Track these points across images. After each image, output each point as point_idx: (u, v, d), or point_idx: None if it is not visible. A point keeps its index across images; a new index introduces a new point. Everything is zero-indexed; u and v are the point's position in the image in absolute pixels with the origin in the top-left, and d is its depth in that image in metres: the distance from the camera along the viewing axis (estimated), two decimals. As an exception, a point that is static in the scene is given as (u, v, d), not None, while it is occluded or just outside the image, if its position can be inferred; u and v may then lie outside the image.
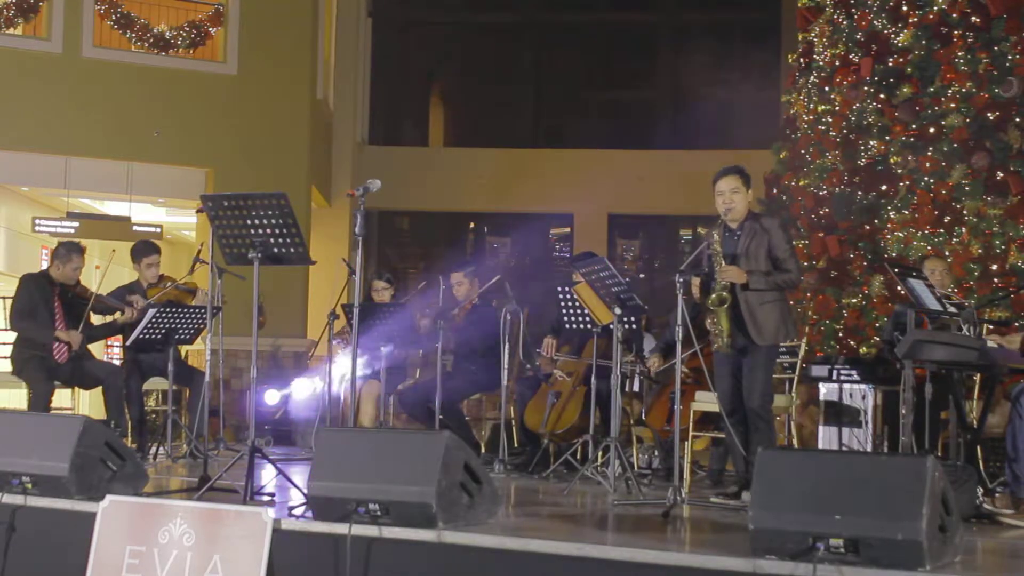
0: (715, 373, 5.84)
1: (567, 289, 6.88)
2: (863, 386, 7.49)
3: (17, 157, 11.89)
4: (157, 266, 7.81)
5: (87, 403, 10.02)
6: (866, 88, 9.51)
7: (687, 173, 13.16)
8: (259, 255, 5.25)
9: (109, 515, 4.52)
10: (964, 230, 8.55)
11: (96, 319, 7.85)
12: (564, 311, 6.92)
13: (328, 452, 4.51)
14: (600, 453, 6.53)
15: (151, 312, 7.13)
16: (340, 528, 4.24)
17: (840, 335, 9.24)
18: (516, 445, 7.66)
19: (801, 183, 10.08)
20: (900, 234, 8.80)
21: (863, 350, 8.90)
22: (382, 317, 7.49)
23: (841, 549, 3.59)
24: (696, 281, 5.83)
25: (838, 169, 9.69)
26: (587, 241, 15.02)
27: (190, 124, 12.07)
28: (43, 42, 11.84)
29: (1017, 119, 8.58)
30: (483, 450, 7.98)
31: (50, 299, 7.37)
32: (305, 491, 4.57)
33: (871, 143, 9.44)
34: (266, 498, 5.06)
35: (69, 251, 7.44)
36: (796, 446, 7.00)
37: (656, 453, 7.31)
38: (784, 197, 10.38)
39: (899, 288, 7.14)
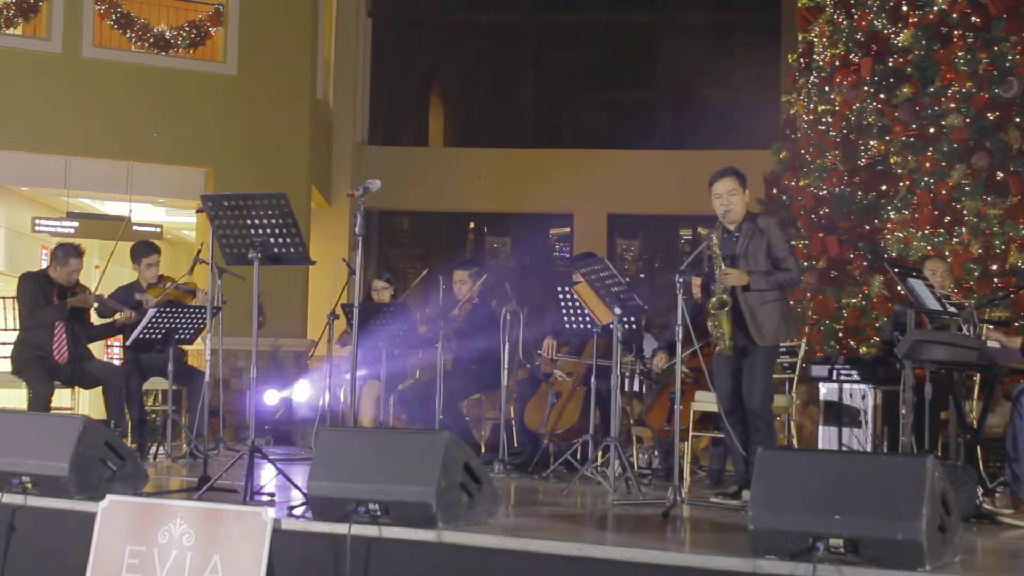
0: (715, 373, 5.84)
1: (567, 289, 6.88)
2: (863, 386, 7.48)
3: (17, 157, 11.88)
4: (157, 266, 7.82)
5: (87, 403, 10.01)
6: (866, 88, 9.51)
7: (687, 173, 13.13)
8: (259, 255, 5.25)
9: (109, 515, 4.52)
10: (964, 230, 8.54)
11: (96, 319, 7.85)
12: (564, 311, 6.92)
13: (328, 452, 4.51)
14: (600, 453, 6.53)
15: (151, 312, 7.14)
16: (340, 528, 4.24)
17: (840, 335, 9.24)
18: (516, 445, 7.66)
19: (801, 183, 10.08)
20: (900, 234, 8.80)
21: (863, 350, 8.89)
22: (382, 317, 7.49)
23: (841, 549, 3.59)
24: (696, 281, 5.83)
25: (838, 169, 9.68)
26: (587, 241, 15.01)
27: (190, 124, 12.07)
28: (43, 42, 11.83)
29: (1017, 119, 8.57)
30: (483, 450, 7.98)
31: (50, 298, 7.37)
32: (305, 491, 4.57)
33: (871, 143, 9.44)
34: (266, 498, 5.07)
35: (67, 254, 7.43)
36: (796, 446, 7.00)
37: (656, 453, 7.31)
38: (784, 197, 10.38)
39: (899, 288, 7.14)
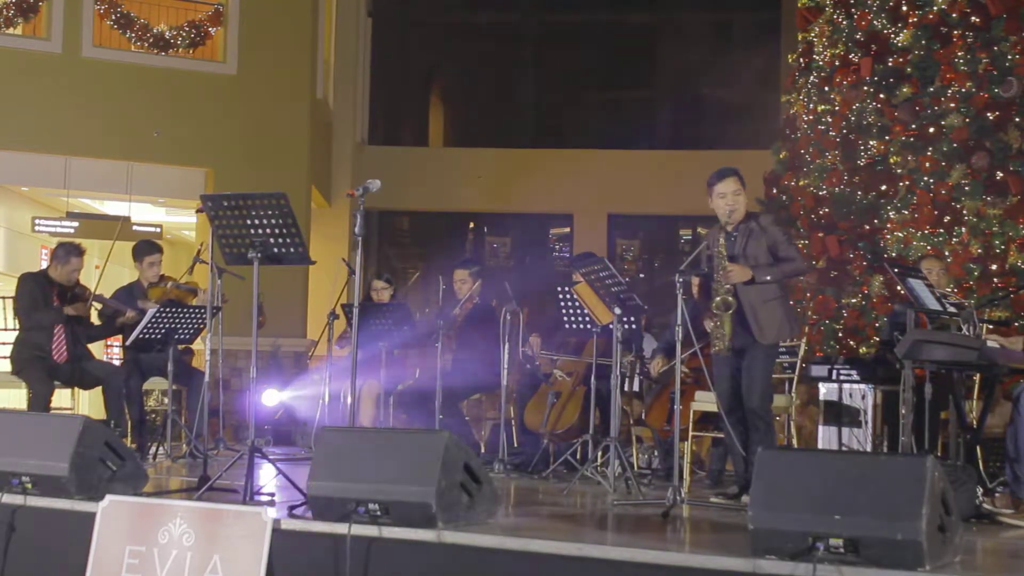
0: (714, 373, 5.84)
1: (567, 289, 6.88)
2: (863, 386, 7.49)
3: (17, 157, 11.88)
4: (159, 265, 7.82)
5: (87, 403, 10.01)
6: (866, 88, 9.51)
7: (687, 173, 13.12)
8: (259, 255, 5.25)
9: (109, 515, 4.52)
10: (964, 230, 8.54)
11: (96, 319, 7.85)
12: (564, 311, 6.92)
13: (328, 452, 4.51)
14: (600, 453, 6.53)
15: (151, 311, 7.14)
16: (340, 528, 4.23)
17: (840, 335, 9.24)
18: (516, 445, 7.66)
19: (801, 183, 10.08)
20: (900, 234, 8.80)
21: (863, 350, 8.89)
22: (382, 317, 7.49)
23: (841, 549, 3.59)
24: (696, 281, 5.83)
25: (838, 169, 9.68)
26: (587, 241, 15.02)
27: (190, 124, 12.07)
28: (43, 42, 11.84)
29: (1017, 119, 8.57)
30: (483, 450, 7.98)
31: (49, 298, 7.37)
32: (305, 491, 4.57)
33: (871, 143, 9.44)
34: (266, 498, 5.06)
35: (68, 253, 7.44)
36: (796, 446, 7.00)
37: (656, 453, 7.31)
38: (784, 197, 10.37)
39: (899, 288, 7.14)
